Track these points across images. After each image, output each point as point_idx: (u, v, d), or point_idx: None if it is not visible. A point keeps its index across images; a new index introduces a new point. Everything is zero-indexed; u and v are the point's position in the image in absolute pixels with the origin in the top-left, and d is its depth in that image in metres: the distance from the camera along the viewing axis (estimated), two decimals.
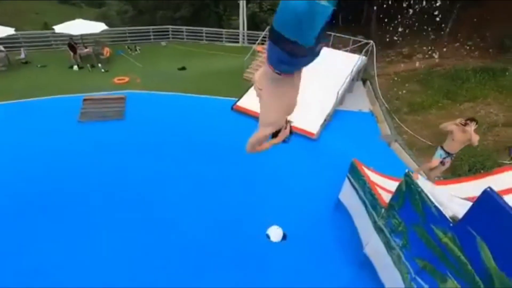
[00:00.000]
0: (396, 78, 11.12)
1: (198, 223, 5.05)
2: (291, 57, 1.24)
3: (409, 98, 9.45)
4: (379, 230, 4.10)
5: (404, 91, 9.98)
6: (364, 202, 4.58)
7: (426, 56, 12.44)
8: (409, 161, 6.63)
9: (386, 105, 9.10)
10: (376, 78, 10.01)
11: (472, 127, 3.69)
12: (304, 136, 7.40)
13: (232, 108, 8.32)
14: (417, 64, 12.17)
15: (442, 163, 4.02)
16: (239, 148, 1.89)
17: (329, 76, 8.81)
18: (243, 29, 14.16)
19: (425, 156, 6.91)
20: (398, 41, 13.79)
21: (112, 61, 10.75)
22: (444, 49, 12.36)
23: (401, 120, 8.38)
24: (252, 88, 8.57)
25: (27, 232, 4.70)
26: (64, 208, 5.12)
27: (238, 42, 14.54)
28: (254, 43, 13.95)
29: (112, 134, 7.26)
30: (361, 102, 9.53)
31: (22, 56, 9.87)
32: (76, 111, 7.76)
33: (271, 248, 5.01)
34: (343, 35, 10.82)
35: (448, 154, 3.97)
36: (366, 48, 9.73)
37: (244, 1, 13.42)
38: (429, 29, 13.26)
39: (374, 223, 4.21)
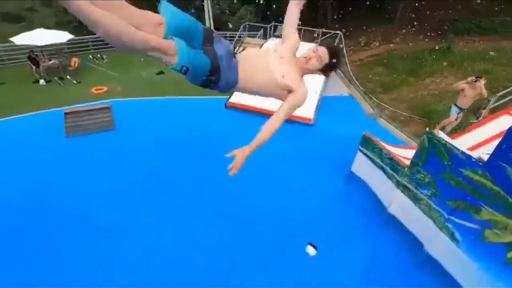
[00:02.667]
0: (361, 64, 12.24)
1: (217, 229, 4.80)
2: None
3: (379, 80, 10.51)
4: (403, 187, 4.62)
5: (372, 75, 11.06)
6: (382, 168, 5.11)
7: (382, 43, 13.89)
8: (397, 132, 7.44)
9: (362, 88, 10.00)
10: (348, 64, 10.89)
11: (482, 82, 4.42)
12: (301, 123, 7.83)
13: (225, 106, 8.40)
14: (376, 50, 13.53)
15: (456, 118, 4.73)
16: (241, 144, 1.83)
17: None
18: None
19: (409, 126, 7.85)
20: (354, 32, 15.17)
21: (81, 72, 10.00)
22: (397, 35, 13.93)
23: (378, 99, 9.31)
24: None
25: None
26: (66, 226, 4.68)
27: None
28: None
29: (105, 146, 6.84)
30: (339, 87, 10.31)
31: None
32: (60, 126, 7.14)
33: (294, 228, 5.19)
34: (312, 29, 11.55)
35: (461, 109, 4.69)
36: (337, 38, 10.55)
37: (209, 2, 13.46)
38: (381, 19, 14.84)
39: (397, 183, 4.74)
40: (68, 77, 9.45)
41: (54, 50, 10.24)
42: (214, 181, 5.67)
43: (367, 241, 5.09)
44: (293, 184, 6.12)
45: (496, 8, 11.67)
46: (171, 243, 4.48)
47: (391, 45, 13.28)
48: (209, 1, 13.69)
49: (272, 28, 11.66)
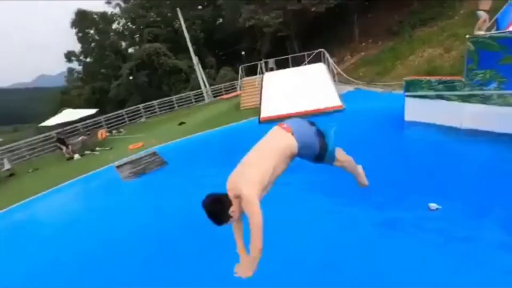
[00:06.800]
0: (347, 70, 13.82)
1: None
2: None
3: (371, 72, 11.89)
4: (469, 97, 5.12)
5: (363, 72, 12.51)
6: (438, 96, 5.65)
7: (353, 55, 16.01)
8: None
9: (361, 82, 11.22)
10: (340, 71, 12.30)
11: None
12: (333, 112, 8.48)
13: (259, 122, 8.95)
14: (352, 60, 15.49)
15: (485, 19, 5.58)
16: None
17: (310, 78, 10.61)
18: (205, 87, 15.62)
19: None
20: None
21: (108, 143, 10.31)
22: (361, 47, 16.22)
23: (381, 81, 10.45)
24: (267, 99, 9.45)
25: None
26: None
27: (204, 100, 15.75)
28: (215, 97, 15.72)
29: (166, 179, 6.83)
30: (342, 88, 11.43)
31: (8, 167, 8.57)
32: (114, 178, 7.12)
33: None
34: (299, 54, 13.25)
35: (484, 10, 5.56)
36: (322, 55, 12.09)
37: (200, 65, 15.24)
38: (342, 40, 17.34)
39: (460, 97, 5.26)
40: (97, 148, 9.67)
41: (74, 132, 10.64)
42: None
43: (462, 164, 4.92)
44: (363, 151, 6.24)
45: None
46: None
47: (362, 53, 15.34)
48: (199, 66, 15.53)
49: (264, 63, 13.21)
